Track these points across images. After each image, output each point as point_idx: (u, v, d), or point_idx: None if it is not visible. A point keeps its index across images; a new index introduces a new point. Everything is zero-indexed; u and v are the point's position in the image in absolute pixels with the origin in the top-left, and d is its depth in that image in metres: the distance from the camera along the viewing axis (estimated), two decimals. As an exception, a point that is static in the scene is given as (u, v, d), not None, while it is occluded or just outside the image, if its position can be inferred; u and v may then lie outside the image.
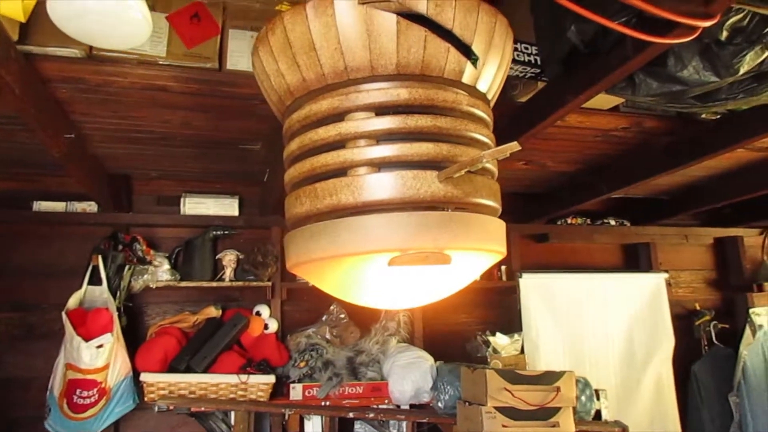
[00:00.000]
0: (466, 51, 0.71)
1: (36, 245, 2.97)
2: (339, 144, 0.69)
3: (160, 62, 1.73)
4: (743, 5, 1.40)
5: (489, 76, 0.76)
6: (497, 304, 3.53)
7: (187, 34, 1.75)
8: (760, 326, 3.63)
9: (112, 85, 1.80)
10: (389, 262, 0.65)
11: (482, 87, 0.76)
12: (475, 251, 0.70)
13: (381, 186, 0.65)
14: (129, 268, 2.80)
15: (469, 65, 0.71)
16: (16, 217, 2.91)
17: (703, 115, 2.22)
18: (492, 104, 0.83)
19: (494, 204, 0.75)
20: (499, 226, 0.75)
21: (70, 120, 2.07)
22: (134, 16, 0.94)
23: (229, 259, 3.08)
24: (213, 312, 2.94)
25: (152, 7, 1.72)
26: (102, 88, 1.82)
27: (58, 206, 2.95)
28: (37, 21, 1.56)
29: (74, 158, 2.21)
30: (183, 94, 1.88)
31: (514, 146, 0.64)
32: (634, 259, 3.83)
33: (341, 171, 0.68)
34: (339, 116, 0.70)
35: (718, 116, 2.17)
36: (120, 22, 0.94)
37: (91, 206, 2.98)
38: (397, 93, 0.69)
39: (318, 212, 0.67)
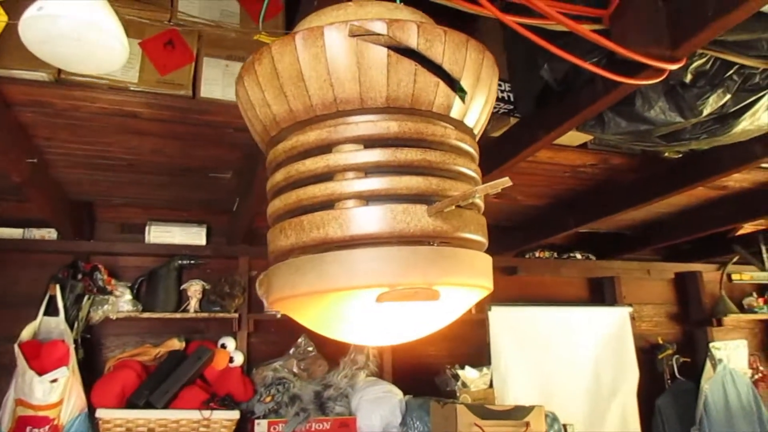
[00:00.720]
0: (455, 86, 0.71)
1: (-11, 273, 2.83)
2: (327, 176, 0.68)
3: (132, 88, 1.70)
4: (707, 51, 1.47)
5: (476, 110, 0.77)
6: (467, 337, 3.51)
7: (160, 61, 1.73)
8: (720, 360, 3.71)
9: (80, 109, 1.76)
10: (377, 298, 0.64)
11: (469, 122, 0.76)
12: (464, 287, 0.69)
13: (370, 219, 0.64)
14: (88, 298, 2.69)
15: (457, 100, 0.72)
16: (-30, 244, 2.77)
17: (666, 154, 2.29)
18: (477, 138, 0.84)
19: (482, 239, 0.74)
20: (487, 261, 0.75)
21: (34, 144, 2.00)
22: (110, 42, 0.91)
23: (194, 289, 3.00)
24: (176, 344, 2.84)
25: (125, 33, 1.71)
26: (69, 113, 1.77)
27: (15, 233, 2.83)
28: (3, 44, 1.52)
29: (36, 183, 2.13)
30: (154, 120, 1.85)
31: (505, 182, 0.64)
32: (600, 293, 3.89)
33: (328, 203, 0.67)
34: (327, 148, 0.69)
35: (680, 155, 2.25)
36: (95, 48, 0.92)
37: (50, 233, 2.87)
38: (387, 126, 0.68)
39: (303, 245, 0.66)
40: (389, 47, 0.65)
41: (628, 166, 2.36)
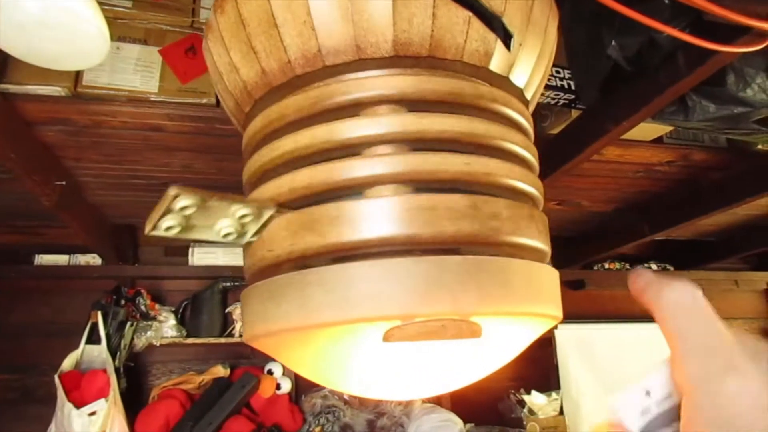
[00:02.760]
0: (495, 24, 0.50)
1: (37, 302, 2.81)
2: (317, 158, 0.48)
3: (152, 99, 1.58)
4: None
5: (527, 65, 0.55)
6: (531, 358, 3.19)
7: (181, 69, 1.60)
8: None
9: (101, 125, 1.65)
10: (384, 336, 0.43)
11: (518, 81, 0.55)
12: (518, 317, 0.47)
13: (382, 218, 0.43)
14: (131, 325, 2.60)
15: (499, 46, 0.51)
16: (17, 273, 2.75)
17: (760, 146, 1.98)
18: (531, 108, 0.62)
19: (544, 246, 0.52)
20: (552, 277, 0.52)
21: (63, 166, 1.92)
22: (85, 28, 0.77)
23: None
24: (221, 371, 2.71)
25: (144, 41, 1.60)
26: (91, 130, 1.67)
27: (61, 259, 2.80)
28: (14, 58, 1.42)
29: (69, 207, 2.05)
30: (179, 133, 1.72)
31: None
32: (681, 307, 3.49)
33: (325, 195, 0.47)
34: (312, 119, 0.48)
35: (777, 146, 1.93)
36: (68, 36, 0.77)
37: (95, 259, 2.83)
38: (400, 84, 0.47)
39: (285, 259, 0.46)
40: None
41: (712, 162, 2.05)
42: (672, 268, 3.43)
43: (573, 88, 1.60)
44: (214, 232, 0.46)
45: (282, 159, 0.49)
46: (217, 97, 1.60)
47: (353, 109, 0.47)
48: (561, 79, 1.58)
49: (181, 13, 1.64)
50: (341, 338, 0.44)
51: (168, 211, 0.43)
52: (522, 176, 0.50)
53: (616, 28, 1.31)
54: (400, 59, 0.47)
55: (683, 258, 3.42)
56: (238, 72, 0.52)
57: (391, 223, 0.42)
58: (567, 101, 1.63)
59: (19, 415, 2.64)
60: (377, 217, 0.43)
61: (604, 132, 1.57)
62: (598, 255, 3.15)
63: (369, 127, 0.45)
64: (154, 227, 0.44)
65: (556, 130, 1.78)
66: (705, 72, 1.26)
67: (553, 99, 1.62)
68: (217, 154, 1.89)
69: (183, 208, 0.43)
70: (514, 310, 0.45)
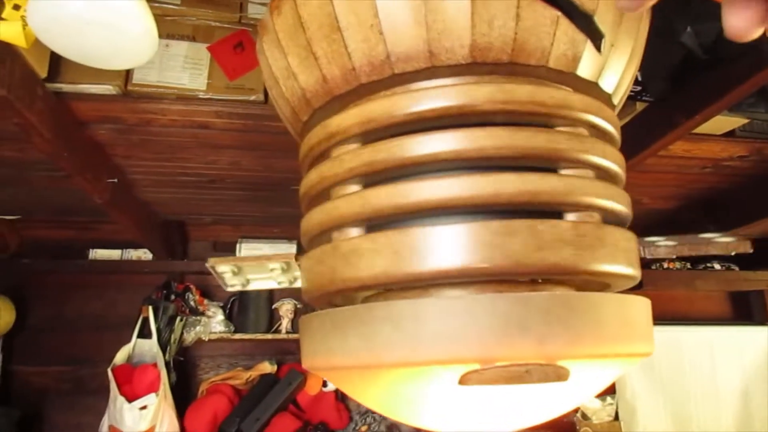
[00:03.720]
0: (586, 25, 0.43)
1: (90, 295, 2.87)
2: (381, 176, 0.42)
3: (201, 96, 1.56)
4: None
5: (617, 69, 0.48)
6: (584, 360, 3.10)
7: (229, 66, 1.57)
8: None
9: (151, 123, 1.64)
10: (461, 379, 0.37)
11: (607, 86, 0.48)
12: (608, 359, 0.41)
13: (457, 246, 0.37)
14: (181, 320, 2.63)
15: (589, 48, 0.44)
16: (71, 267, 2.82)
17: (844, 139, 1.81)
18: (617, 111, 0.55)
19: (633, 272, 0.45)
20: (645, 309, 0.45)
21: (113, 164, 1.94)
22: (135, 32, 0.74)
23: (286, 309, 2.87)
24: (267, 368, 2.71)
25: (193, 38, 1.58)
26: (141, 128, 1.67)
27: (114, 254, 2.86)
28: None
29: (120, 204, 2.07)
30: (227, 131, 1.70)
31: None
32: (746, 310, 3.30)
33: (395, 218, 0.41)
34: (378, 133, 0.43)
35: None
36: (116, 37, 0.75)
37: (146, 254, 2.87)
38: (480, 93, 0.41)
39: (344, 287, 0.41)
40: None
41: (790, 156, 1.90)
42: (737, 268, 3.23)
43: (639, 78, 1.49)
44: (273, 281, 0.42)
45: (344, 176, 0.44)
46: (265, 93, 1.57)
47: (423, 122, 0.41)
48: (627, 69, 1.48)
49: (229, 8, 1.61)
50: (412, 378, 0.39)
51: (221, 276, 0.39)
52: (612, 194, 0.44)
53: (692, 13, 1.21)
54: (477, 66, 0.41)
55: (748, 257, 3.21)
56: (296, 78, 0.47)
57: (466, 252, 0.37)
58: (632, 93, 1.52)
59: (72, 406, 2.72)
60: (451, 245, 0.37)
61: (674, 126, 1.46)
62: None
63: (442, 143, 0.40)
64: (227, 286, 0.41)
65: (620, 124, 1.68)
66: (793, 60, 1.14)
67: (618, 91, 1.52)
68: (264, 151, 1.87)
69: (224, 272, 0.40)
70: (606, 352, 0.39)
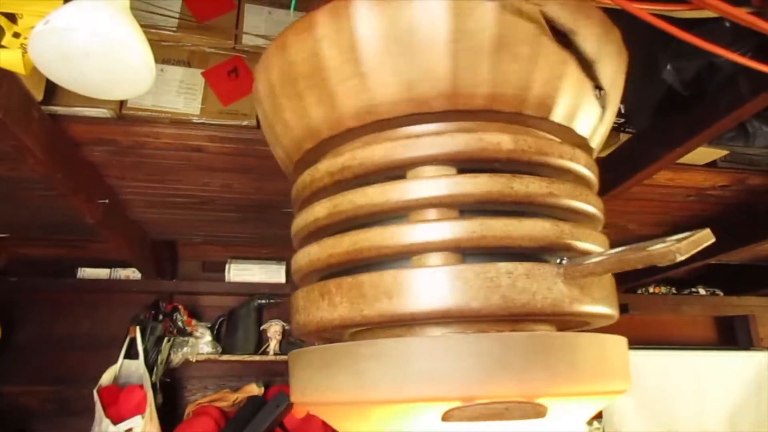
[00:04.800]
0: (591, 72, 0.46)
1: (78, 315, 2.85)
2: (396, 214, 0.44)
3: (194, 121, 1.58)
4: None
5: (591, 113, 0.51)
6: (571, 384, 3.11)
7: (223, 91, 1.60)
8: None
9: (145, 146, 1.66)
10: (444, 416, 0.39)
11: (593, 139, 0.51)
12: (585, 397, 0.43)
13: (440, 287, 0.39)
14: (168, 340, 2.62)
15: (591, 106, 0.47)
16: (59, 286, 2.81)
17: (822, 170, 1.87)
18: (594, 155, 0.58)
19: (611, 311, 0.48)
20: (622, 348, 0.48)
21: (106, 184, 1.95)
22: (129, 58, 0.76)
23: (274, 330, 2.86)
24: (255, 390, 2.70)
25: (188, 63, 1.61)
26: (135, 150, 1.69)
27: (103, 273, 2.85)
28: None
29: (111, 224, 2.08)
30: (220, 154, 1.73)
31: (707, 236, 0.39)
32: (731, 335, 3.34)
33: (400, 256, 0.43)
34: (396, 170, 0.45)
35: (842, 171, 1.82)
36: (115, 70, 0.77)
37: (135, 273, 2.87)
38: (497, 140, 0.43)
39: (335, 324, 0.43)
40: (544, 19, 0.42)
41: (770, 186, 1.95)
42: (722, 293, 3.28)
43: (623, 111, 1.54)
44: None
45: (330, 219, 0.46)
46: (257, 118, 1.60)
47: (403, 169, 0.43)
48: (611, 102, 1.52)
49: (224, 35, 1.65)
50: (398, 414, 0.41)
51: None
52: (590, 237, 0.46)
53: (673, 50, 1.25)
54: (490, 113, 0.43)
55: (734, 283, 3.27)
56: (306, 108, 0.49)
57: (450, 293, 0.39)
58: (616, 125, 1.56)
59: (57, 427, 2.68)
60: (436, 286, 0.39)
61: (656, 157, 1.50)
62: (643, 279, 3.03)
63: (425, 189, 0.42)
64: None
65: (604, 153, 1.72)
66: (769, 97, 1.19)
67: (603, 123, 1.56)
68: (256, 174, 1.89)
69: None
70: (583, 390, 0.41)
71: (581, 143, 0.51)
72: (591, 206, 0.48)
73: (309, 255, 0.51)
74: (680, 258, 0.42)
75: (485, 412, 0.38)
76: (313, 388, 0.44)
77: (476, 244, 0.42)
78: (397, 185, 0.44)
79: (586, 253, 0.48)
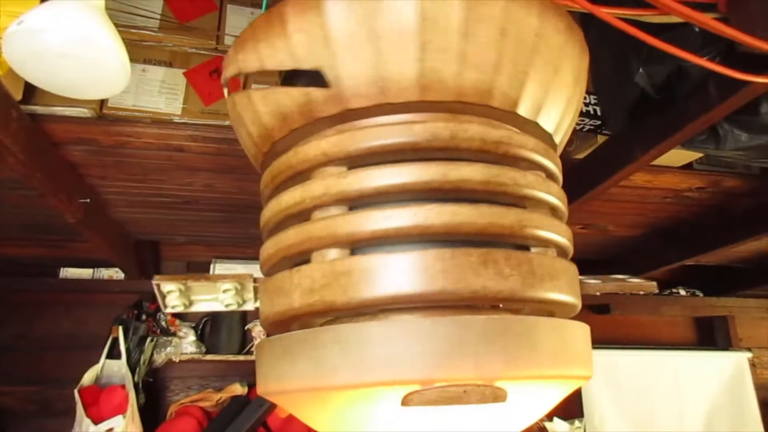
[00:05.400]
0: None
1: (60, 314, 2.83)
2: (365, 202, 0.46)
3: (176, 121, 1.59)
4: None
5: (555, 110, 0.53)
6: (553, 384, 3.14)
7: (205, 91, 1.61)
8: None
9: (125, 146, 1.67)
10: (403, 400, 0.40)
11: (546, 125, 0.52)
12: (546, 380, 0.44)
13: (402, 273, 0.41)
14: (151, 340, 2.61)
15: (529, 93, 0.48)
16: (41, 286, 2.79)
17: (795, 173, 1.91)
18: (560, 151, 0.60)
19: (573, 299, 0.49)
20: (584, 335, 0.49)
21: (87, 184, 1.94)
22: (104, 59, 0.77)
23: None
24: (238, 389, 2.69)
25: (169, 63, 1.61)
26: (116, 150, 1.69)
27: (85, 273, 2.83)
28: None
29: (93, 224, 2.07)
30: (202, 154, 1.73)
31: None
32: (710, 335, 3.39)
33: (355, 244, 0.44)
34: (348, 160, 0.46)
35: (814, 174, 1.86)
36: (87, 66, 0.78)
37: (118, 273, 2.86)
38: (450, 129, 0.45)
39: (299, 313, 0.44)
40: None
41: (745, 188, 1.99)
42: (701, 294, 3.33)
43: (599, 114, 1.57)
44: (219, 302, 0.46)
45: (301, 207, 0.48)
46: (239, 119, 1.61)
47: (372, 156, 0.45)
48: (587, 104, 1.55)
49: (206, 35, 1.65)
50: (358, 400, 0.42)
51: (162, 296, 0.43)
52: (551, 226, 0.48)
53: (644, 55, 1.28)
54: (425, 104, 0.45)
55: (713, 284, 3.32)
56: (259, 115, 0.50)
57: (410, 278, 0.40)
58: (593, 127, 1.59)
59: (38, 428, 2.66)
60: (397, 272, 0.41)
61: (631, 159, 1.53)
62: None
63: (389, 177, 0.44)
64: (165, 307, 0.46)
65: (581, 155, 1.75)
66: (737, 101, 1.22)
67: (579, 125, 1.59)
68: (238, 174, 1.89)
69: (170, 291, 0.44)
70: (542, 374, 0.43)
71: (546, 138, 0.53)
72: (557, 199, 0.50)
73: (266, 251, 0.53)
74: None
75: (444, 395, 0.39)
76: (275, 376, 0.45)
77: (437, 230, 0.43)
78: (367, 172, 0.45)
79: (551, 244, 0.50)
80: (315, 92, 0.48)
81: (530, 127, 0.53)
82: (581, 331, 0.50)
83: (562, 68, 0.53)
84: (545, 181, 0.52)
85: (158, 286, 0.43)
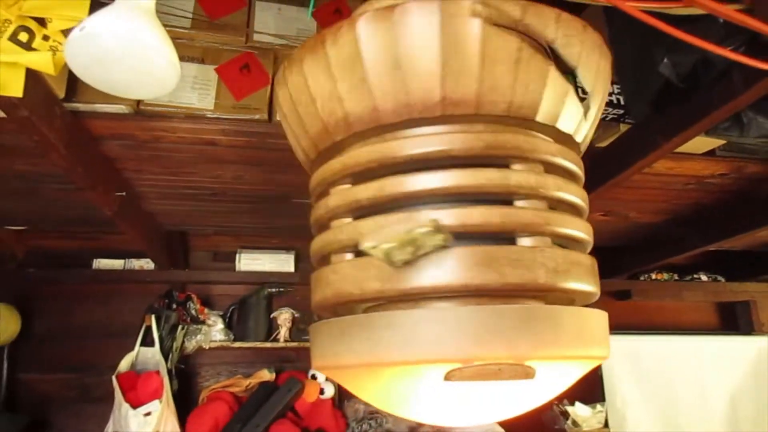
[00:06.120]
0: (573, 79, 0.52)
1: (94, 304, 2.94)
2: (398, 204, 0.51)
3: (208, 116, 1.65)
4: None
5: (574, 112, 0.57)
6: (575, 369, 3.18)
7: (236, 86, 1.66)
8: None
9: (161, 140, 1.73)
10: (446, 376, 0.45)
11: (567, 128, 0.56)
12: (568, 361, 0.49)
13: (447, 266, 0.45)
14: (182, 328, 2.70)
15: (576, 110, 0.53)
16: (76, 277, 2.90)
17: (818, 158, 1.91)
18: (583, 148, 0.64)
19: (593, 289, 0.54)
20: (601, 320, 0.54)
21: (123, 177, 2.02)
22: (161, 65, 0.82)
23: (284, 318, 2.94)
24: (266, 375, 2.78)
25: (201, 60, 1.67)
26: (151, 144, 1.75)
27: (117, 264, 2.93)
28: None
29: (128, 216, 2.15)
30: (232, 147, 1.79)
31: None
32: (732, 320, 3.39)
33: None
34: (424, 162, 0.51)
35: (837, 159, 1.86)
36: (141, 67, 0.83)
37: (149, 263, 2.95)
38: (503, 140, 0.50)
39: (357, 298, 0.49)
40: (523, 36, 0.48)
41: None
42: (723, 279, 3.33)
43: (622, 103, 1.59)
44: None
45: (344, 208, 0.53)
46: (269, 112, 1.66)
47: (416, 163, 0.50)
48: (610, 94, 1.57)
49: (236, 32, 1.70)
50: (405, 375, 0.48)
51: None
52: (574, 224, 0.53)
53: (668, 45, 1.30)
54: (504, 118, 0.50)
55: (734, 269, 3.32)
56: (341, 102, 0.54)
57: (448, 271, 0.45)
58: (616, 116, 1.62)
59: (77, 413, 2.77)
60: (440, 265, 0.46)
61: (654, 147, 1.55)
62: (645, 266, 3.08)
63: (436, 181, 0.48)
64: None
65: (604, 143, 1.77)
66: (761, 89, 1.24)
67: (602, 113, 1.61)
68: (267, 167, 1.95)
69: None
70: (565, 354, 0.48)
71: (566, 140, 0.57)
72: (579, 199, 0.54)
73: (337, 235, 0.57)
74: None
75: (481, 372, 0.44)
76: (332, 353, 0.50)
77: (474, 229, 0.48)
78: (416, 176, 0.50)
79: (574, 241, 0.54)
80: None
81: (549, 132, 0.57)
82: (599, 317, 0.55)
83: (579, 75, 0.57)
84: (565, 182, 0.56)
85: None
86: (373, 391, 0.56)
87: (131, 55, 0.80)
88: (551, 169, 0.53)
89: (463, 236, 0.49)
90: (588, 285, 0.52)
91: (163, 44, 0.83)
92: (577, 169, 0.57)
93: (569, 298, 0.52)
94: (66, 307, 2.90)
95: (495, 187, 0.50)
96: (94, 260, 2.91)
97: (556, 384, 0.55)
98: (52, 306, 2.89)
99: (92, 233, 2.80)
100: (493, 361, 0.45)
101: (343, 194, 0.55)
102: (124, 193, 2.01)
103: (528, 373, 0.46)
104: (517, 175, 0.51)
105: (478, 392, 0.52)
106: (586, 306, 0.56)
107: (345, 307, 0.56)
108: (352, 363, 0.48)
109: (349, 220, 0.56)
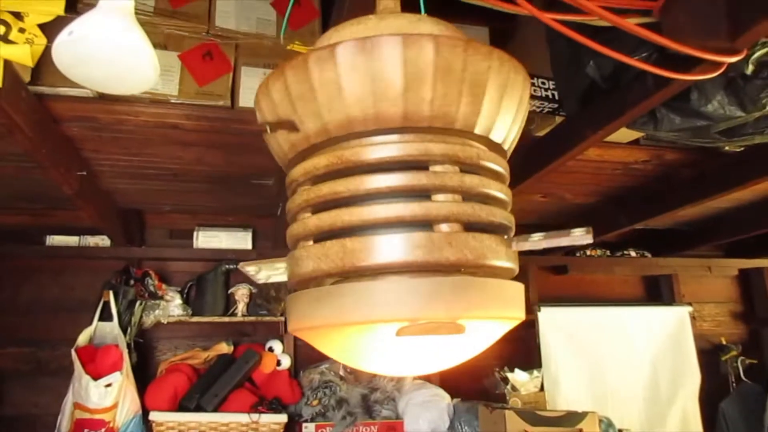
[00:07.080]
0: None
1: (47, 280, 2.95)
2: (362, 199, 0.64)
3: (172, 101, 1.72)
4: (770, 39, 1.35)
5: (503, 126, 0.71)
6: (515, 338, 3.40)
7: (199, 72, 1.74)
8: (791, 361, 3.49)
9: (123, 123, 1.79)
10: (397, 332, 0.60)
11: (496, 137, 0.71)
12: (492, 320, 0.65)
13: (400, 249, 0.60)
14: (140, 304, 2.77)
15: (483, 116, 0.67)
16: (28, 252, 2.90)
17: (727, 148, 2.15)
18: (509, 152, 0.79)
19: (512, 265, 0.69)
20: (518, 291, 0.69)
21: (82, 157, 2.06)
22: (142, 64, 0.91)
23: (241, 293, 3.04)
24: (224, 348, 2.88)
25: (164, 46, 1.73)
26: (114, 126, 1.81)
27: (71, 240, 2.94)
28: (49, 62, 1.55)
29: (86, 194, 2.19)
30: (195, 131, 1.87)
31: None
32: (656, 292, 3.72)
33: (358, 229, 0.63)
34: (370, 168, 0.65)
35: (742, 148, 2.10)
36: (126, 68, 0.92)
37: (104, 240, 2.97)
38: (426, 147, 0.64)
39: (327, 273, 0.62)
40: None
41: (684, 161, 2.23)
42: (650, 255, 3.64)
43: (556, 98, 1.76)
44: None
45: (337, 195, 0.66)
46: (232, 98, 1.75)
47: (378, 165, 0.63)
48: (546, 89, 1.74)
49: (198, 20, 1.77)
50: (364, 332, 0.62)
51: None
52: (500, 215, 0.67)
53: (594, 50, 1.47)
54: (430, 129, 0.64)
55: (659, 245, 3.62)
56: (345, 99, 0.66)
57: (405, 252, 0.60)
58: (551, 109, 1.79)
59: (32, 385, 2.81)
60: (392, 247, 0.60)
61: (584, 137, 1.73)
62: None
63: (395, 180, 0.62)
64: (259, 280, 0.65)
65: (542, 133, 1.95)
66: (670, 91, 1.42)
67: (538, 107, 1.78)
68: (227, 149, 2.03)
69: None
70: (489, 315, 0.63)
71: (497, 148, 0.71)
72: (501, 194, 0.69)
73: (306, 224, 0.70)
74: (589, 241, 0.64)
75: (425, 328, 0.59)
76: (306, 317, 0.64)
77: (411, 220, 0.62)
78: (372, 177, 0.64)
79: (499, 227, 0.69)
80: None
81: (484, 141, 0.71)
82: (517, 287, 0.71)
83: (507, 97, 0.71)
84: (492, 181, 0.71)
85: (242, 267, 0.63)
86: (338, 347, 0.70)
87: (116, 56, 0.88)
88: (482, 170, 0.68)
89: (411, 224, 0.63)
90: (509, 263, 0.67)
91: (144, 45, 0.92)
92: (503, 170, 0.71)
93: (494, 273, 0.67)
94: (17, 282, 2.91)
95: (420, 185, 0.64)
96: (48, 237, 2.92)
97: (484, 339, 0.70)
98: (6, 281, 2.89)
99: (46, 210, 2.80)
100: (434, 320, 0.59)
101: (306, 193, 0.68)
102: (84, 173, 2.05)
103: (459, 329, 0.61)
104: (438, 176, 0.65)
105: (422, 346, 0.66)
106: (510, 279, 0.71)
107: (315, 281, 0.69)
108: (322, 324, 0.62)
109: (309, 214, 0.69)
